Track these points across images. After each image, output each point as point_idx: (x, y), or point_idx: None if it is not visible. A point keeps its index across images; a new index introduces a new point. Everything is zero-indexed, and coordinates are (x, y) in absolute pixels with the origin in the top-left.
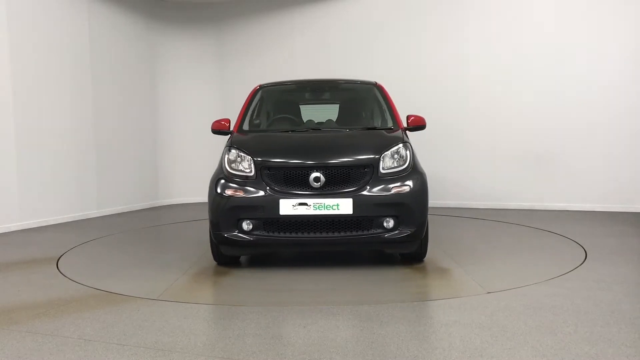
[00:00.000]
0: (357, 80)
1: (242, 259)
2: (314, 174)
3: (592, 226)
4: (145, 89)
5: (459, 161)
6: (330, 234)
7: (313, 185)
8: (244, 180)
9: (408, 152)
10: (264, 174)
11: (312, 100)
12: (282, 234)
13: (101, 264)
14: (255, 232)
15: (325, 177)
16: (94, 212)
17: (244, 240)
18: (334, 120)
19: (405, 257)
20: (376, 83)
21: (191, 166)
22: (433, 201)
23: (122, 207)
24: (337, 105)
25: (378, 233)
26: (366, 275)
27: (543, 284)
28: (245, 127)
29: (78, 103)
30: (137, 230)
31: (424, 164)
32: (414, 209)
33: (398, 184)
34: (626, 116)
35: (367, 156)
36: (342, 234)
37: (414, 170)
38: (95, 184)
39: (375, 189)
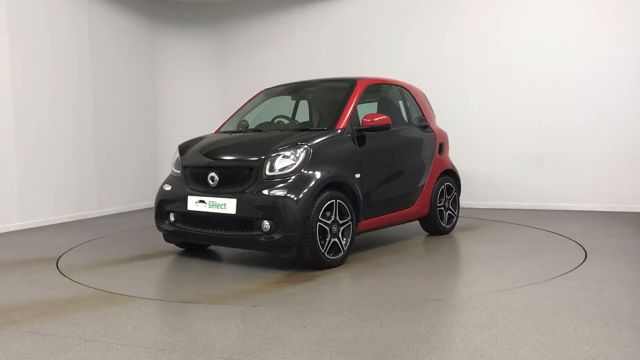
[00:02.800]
0: (338, 79)
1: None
2: (210, 174)
3: (592, 226)
4: (145, 89)
5: (458, 160)
6: (220, 232)
7: (210, 184)
8: (176, 178)
9: (301, 155)
10: (184, 172)
11: (297, 100)
12: (189, 227)
13: (101, 264)
14: (177, 224)
15: (219, 177)
16: (94, 212)
17: (167, 230)
18: (295, 121)
19: (311, 266)
20: (356, 80)
21: None
22: None
23: (122, 207)
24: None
25: (257, 235)
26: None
27: (543, 284)
28: (226, 128)
29: (78, 103)
30: (137, 230)
31: None
32: (284, 214)
33: (277, 187)
34: (626, 116)
35: (252, 158)
36: (229, 232)
37: (301, 174)
38: (95, 184)
39: (256, 191)
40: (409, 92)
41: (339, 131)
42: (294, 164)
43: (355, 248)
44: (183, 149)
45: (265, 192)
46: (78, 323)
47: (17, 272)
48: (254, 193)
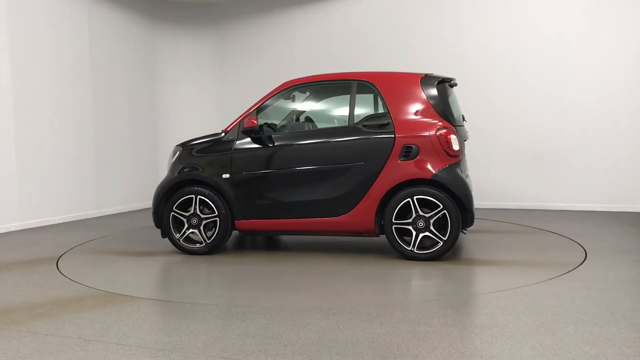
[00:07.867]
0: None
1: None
2: None
3: (592, 226)
4: (145, 89)
5: None
6: None
7: None
8: None
9: (174, 154)
10: None
11: None
12: None
13: (101, 263)
14: None
15: None
16: (94, 212)
17: None
18: None
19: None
20: (285, 82)
21: None
22: None
23: (122, 207)
24: None
25: None
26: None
27: (543, 284)
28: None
29: (78, 103)
30: (136, 230)
31: None
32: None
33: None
34: (626, 116)
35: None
36: None
37: (170, 171)
38: (95, 184)
39: None
40: (373, 87)
41: (223, 134)
42: (171, 162)
43: (292, 247)
44: None
45: None
46: (78, 323)
47: (17, 272)
48: None
